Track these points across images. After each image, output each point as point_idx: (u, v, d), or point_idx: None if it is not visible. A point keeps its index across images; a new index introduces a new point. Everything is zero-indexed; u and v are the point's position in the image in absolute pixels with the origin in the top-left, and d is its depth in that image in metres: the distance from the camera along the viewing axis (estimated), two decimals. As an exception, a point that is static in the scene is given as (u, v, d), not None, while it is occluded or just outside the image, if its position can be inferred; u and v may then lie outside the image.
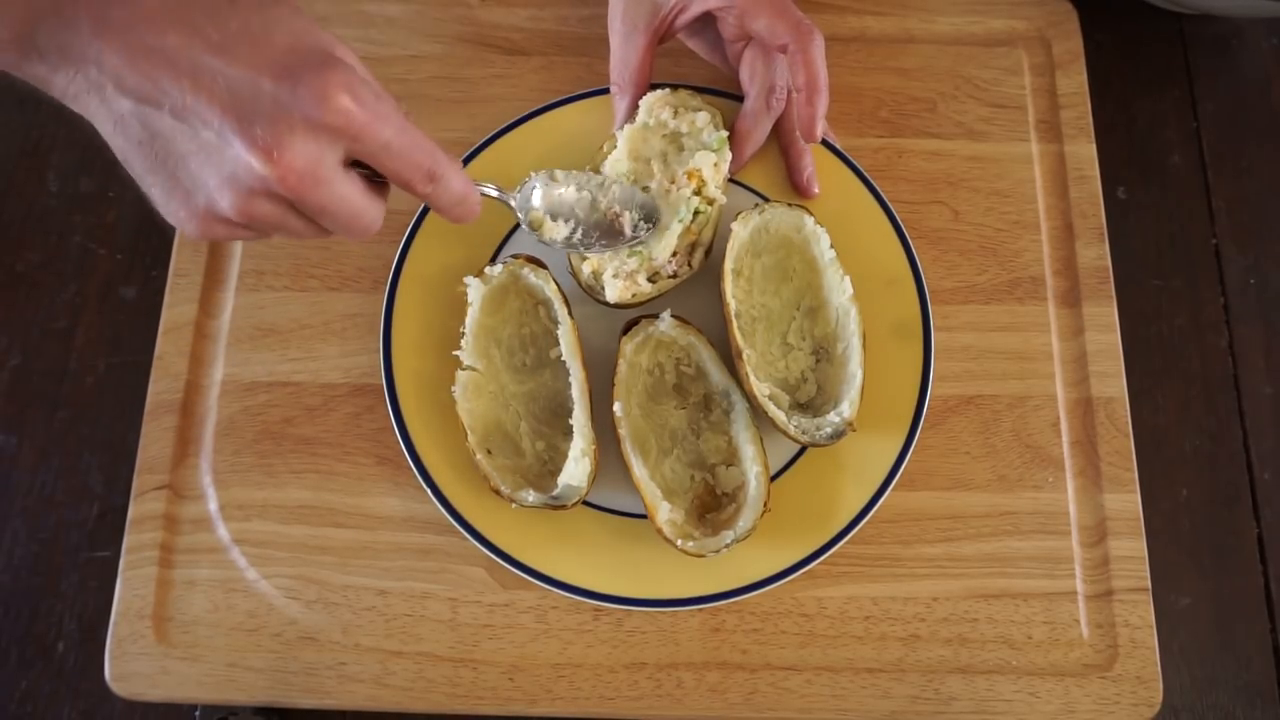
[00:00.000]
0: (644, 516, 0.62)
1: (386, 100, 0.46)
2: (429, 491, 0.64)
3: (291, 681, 0.62)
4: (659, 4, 0.67)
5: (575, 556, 0.63)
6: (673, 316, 0.64)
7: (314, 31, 0.45)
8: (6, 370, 0.75)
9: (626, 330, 0.64)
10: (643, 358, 0.65)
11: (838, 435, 0.61)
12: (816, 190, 0.71)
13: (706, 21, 0.68)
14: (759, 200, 0.70)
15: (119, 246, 0.78)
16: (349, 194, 0.46)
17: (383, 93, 0.46)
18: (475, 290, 0.64)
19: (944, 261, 0.71)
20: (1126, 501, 0.65)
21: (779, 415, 0.61)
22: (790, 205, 0.66)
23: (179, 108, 0.42)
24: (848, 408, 0.61)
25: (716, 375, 0.64)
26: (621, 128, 0.68)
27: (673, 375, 0.66)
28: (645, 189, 0.66)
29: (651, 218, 0.65)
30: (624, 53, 0.68)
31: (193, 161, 0.43)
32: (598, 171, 0.67)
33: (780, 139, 0.72)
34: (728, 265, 0.64)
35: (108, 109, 0.43)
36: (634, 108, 0.69)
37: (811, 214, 0.66)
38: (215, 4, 0.43)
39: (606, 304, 0.65)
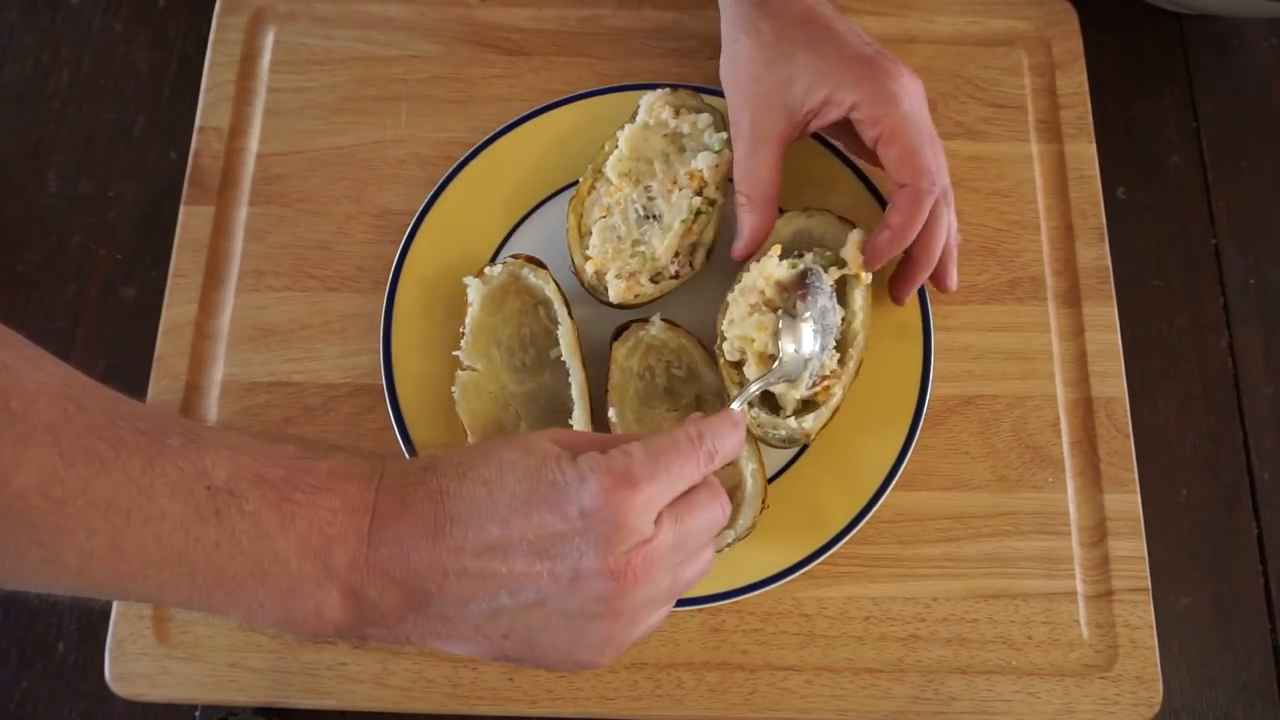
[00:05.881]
0: (644, 516, 0.62)
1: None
2: (429, 491, 0.63)
3: (291, 681, 0.62)
4: (792, 109, 0.61)
5: (575, 556, 0.63)
6: (662, 320, 0.64)
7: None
8: (6, 370, 0.75)
9: (617, 335, 0.64)
10: (633, 362, 0.64)
11: (791, 442, 0.60)
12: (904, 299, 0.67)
13: (843, 124, 0.63)
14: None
15: (119, 246, 0.78)
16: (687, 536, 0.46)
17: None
18: (475, 290, 0.64)
19: (944, 261, 0.71)
20: (1126, 502, 0.65)
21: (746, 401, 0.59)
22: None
23: (519, 605, 0.44)
24: (811, 420, 0.60)
25: (709, 376, 0.64)
26: (751, 251, 0.63)
27: (663, 378, 0.66)
28: (653, 216, 0.66)
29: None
30: (752, 163, 0.63)
31: (559, 630, 0.44)
32: (599, 172, 0.67)
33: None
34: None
35: (451, 645, 0.45)
36: (767, 225, 0.63)
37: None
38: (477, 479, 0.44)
39: (609, 304, 0.65)
